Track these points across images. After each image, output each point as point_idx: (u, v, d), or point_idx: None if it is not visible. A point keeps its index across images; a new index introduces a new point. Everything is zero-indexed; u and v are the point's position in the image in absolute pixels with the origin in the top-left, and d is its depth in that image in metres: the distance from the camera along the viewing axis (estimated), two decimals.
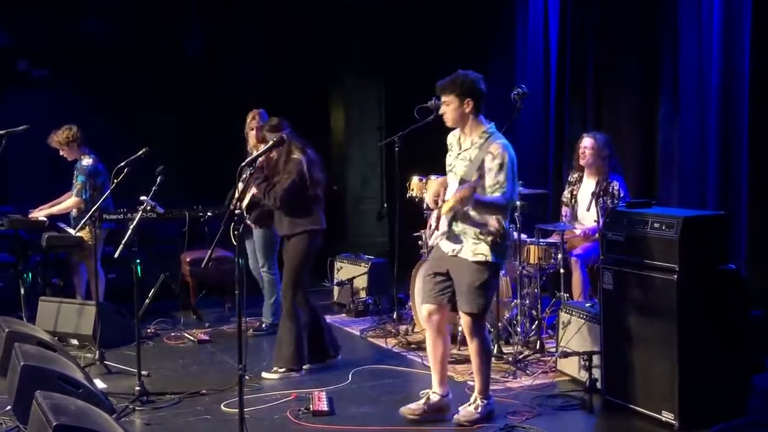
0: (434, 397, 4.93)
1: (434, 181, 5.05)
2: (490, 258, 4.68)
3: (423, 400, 4.94)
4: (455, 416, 4.85)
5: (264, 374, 5.85)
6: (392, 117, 10.15)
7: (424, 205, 4.94)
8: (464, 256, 4.72)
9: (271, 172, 5.85)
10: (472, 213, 4.67)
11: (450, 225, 4.74)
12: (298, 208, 5.80)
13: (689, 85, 6.45)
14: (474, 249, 4.69)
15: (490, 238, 4.67)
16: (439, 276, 4.85)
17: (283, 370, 5.84)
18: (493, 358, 5.98)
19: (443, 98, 4.73)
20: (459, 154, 4.77)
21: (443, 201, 4.75)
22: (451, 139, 4.89)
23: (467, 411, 4.84)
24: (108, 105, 9.13)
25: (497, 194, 4.59)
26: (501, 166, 4.59)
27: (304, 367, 5.90)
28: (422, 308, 4.98)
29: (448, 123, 4.79)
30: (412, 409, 4.91)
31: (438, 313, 4.86)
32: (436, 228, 4.82)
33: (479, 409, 4.82)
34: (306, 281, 5.97)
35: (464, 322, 4.79)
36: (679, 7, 6.54)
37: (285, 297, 5.90)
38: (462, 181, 4.65)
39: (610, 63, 7.35)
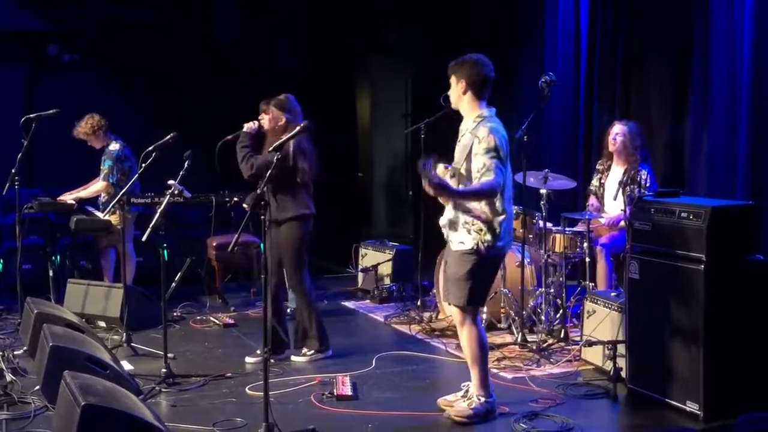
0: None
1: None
2: (472, 246, 4.55)
3: (462, 393, 4.87)
4: (447, 410, 4.74)
5: (293, 357, 5.92)
6: (418, 105, 10.13)
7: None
8: (452, 246, 4.67)
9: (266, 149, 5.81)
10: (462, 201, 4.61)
11: (449, 215, 4.67)
12: (284, 191, 5.73)
13: (720, 73, 6.38)
14: (459, 238, 4.61)
15: (475, 227, 4.55)
16: (444, 273, 4.82)
17: (311, 352, 5.91)
18: (516, 346, 6.05)
19: (450, 79, 4.72)
20: (459, 140, 4.71)
21: None
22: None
23: (460, 407, 4.70)
24: (138, 90, 9.19)
25: (484, 179, 4.46)
26: (487, 150, 4.47)
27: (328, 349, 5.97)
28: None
29: (452, 104, 4.77)
30: (449, 400, 4.86)
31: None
32: None
33: (473, 406, 4.65)
34: (303, 266, 5.92)
35: (453, 312, 4.74)
36: None
37: (294, 285, 5.92)
38: (453, 169, 4.59)
39: (640, 51, 7.28)
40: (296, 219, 5.77)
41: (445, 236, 4.81)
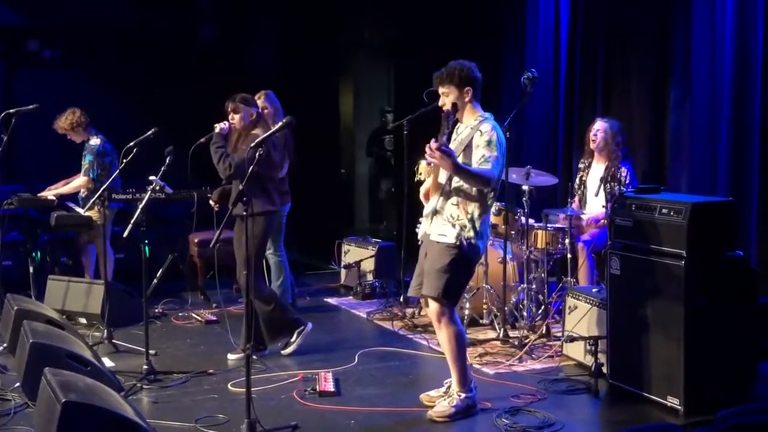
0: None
1: (427, 171, 5.01)
2: (455, 241, 4.57)
3: (444, 389, 4.87)
4: (429, 412, 4.72)
5: (283, 352, 5.90)
6: (401, 101, 10.13)
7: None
8: (432, 238, 4.67)
9: (232, 145, 5.80)
10: (453, 194, 4.60)
11: (435, 205, 4.68)
12: (253, 186, 5.59)
13: (701, 70, 6.42)
14: (440, 230, 4.62)
15: (459, 222, 4.58)
16: (418, 267, 4.80)
17: (293, 339, 5.89)
18: (498, 342, 6.07)
19: (441, 89, 4.68)
20: (454, 140, 4.73)
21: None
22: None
23: (441, 406, 4.69)
24: (119, 86, 9.13)
25: (482, 167, 4.53)
26: (488, 143, 4.55)
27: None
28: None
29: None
30: (431, 396, 4.87)
31: (426, 305, 4.81)
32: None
33: (454, 404, 4.66)
34: (261, 262, 5.88)
35: (430, 306, 4.70)
36: None
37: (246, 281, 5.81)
38: None
39: (620, 48, 7.31)
40: (261, 215, 5.71)
41: (422, 229, 4.79)
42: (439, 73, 4.69)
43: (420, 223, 4.86)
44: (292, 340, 5.91)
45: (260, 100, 6.66)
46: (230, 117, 5.82)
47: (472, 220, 4.58)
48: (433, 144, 4.40)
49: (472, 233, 4.58)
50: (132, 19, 9.20)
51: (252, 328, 4.87)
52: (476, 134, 4.59)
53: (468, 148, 4.59)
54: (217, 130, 5.77)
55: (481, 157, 4.54)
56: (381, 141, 10.97)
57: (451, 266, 4.58)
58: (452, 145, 4.69)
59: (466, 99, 4.67)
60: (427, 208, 4.75)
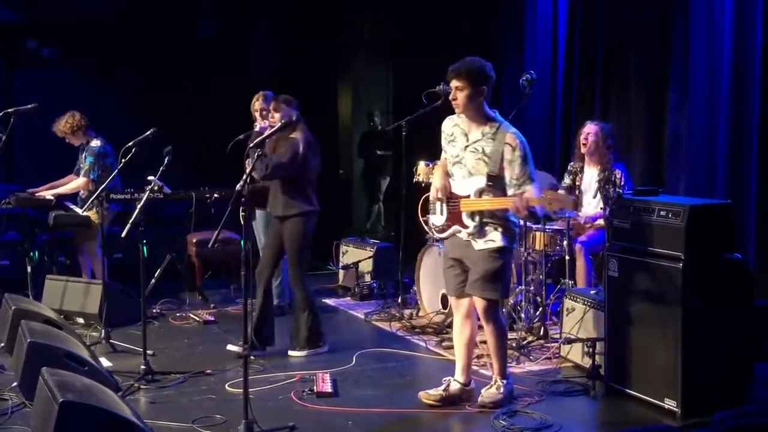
0: (454, 386, 4.90)
1: (437, 169, 4.98)
2: (501, 243, 4.68)
3: (443, 387, 4.90)
4: (479, 398, 4.85)
5: (291, 352, 5.94)
6: (400, 101, 10.13)
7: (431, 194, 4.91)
8: (477, 246, 4.71)
9: (270, 146, 5.82)
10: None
11: (471, 219, 4.71)
12: (291, 187, 5.78)
13: (699, 72, 6.42)
14: (485, 237, 4.70)
15: (501, 225, 4.67)
16: (455, 267, 4.85)
17: (307, 347, 5.94)
18: None
19: (456, 83, 4.61)
20: (467, 145, 4.71)
21: (450, 192, 4.77)
22: (450, 127, 4.81)
23: (490, 392, 4.86)
24: (118, 84, 9.12)
25: (527, 187, 4.58)
26: (523, 158, 4.58)
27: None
28: (450, 298, 5.04)
29: (458, 109, 4.70)
30: (430, 394, 4.89)
31: (465, 303, 4.89)
32: (451, 222, 4.78)
33: (501, 389, 4.86)
34: (306, 263, 5.96)
35: (480, 306, 4.76)
36: None
37: (294, 281, 5.94)
38: (490, 177, 4.60)
39: (619, 50, 7.30)
40: (301, 215, 5.81)
41: (451, 230, 4.80)
42: (457, 67, 4.63)
43: (434, 221, 4.93)
44: (305, 347, 5.93)
45: (258, 102, 6.64)
46: (270, 116, 5.83)
47: (509, 219, 4.71)
48: (520, 202, 4.46)
49: (512, 232, 4.76)
50: (130, 18, 9.19)
51: (248, 328, 4.88)
52: (506, 149, 4.58)
53: (502, 162, 4.60)
54: (256, 128, 5.79)
55: (523, 175, 4.59)
56: (370, 143, 10.98)
57: (503, 268, 4.73)
58: (467, 152, 4.69)
59: (480, 98, 4.64)
60: (471, 229, 4.71)
